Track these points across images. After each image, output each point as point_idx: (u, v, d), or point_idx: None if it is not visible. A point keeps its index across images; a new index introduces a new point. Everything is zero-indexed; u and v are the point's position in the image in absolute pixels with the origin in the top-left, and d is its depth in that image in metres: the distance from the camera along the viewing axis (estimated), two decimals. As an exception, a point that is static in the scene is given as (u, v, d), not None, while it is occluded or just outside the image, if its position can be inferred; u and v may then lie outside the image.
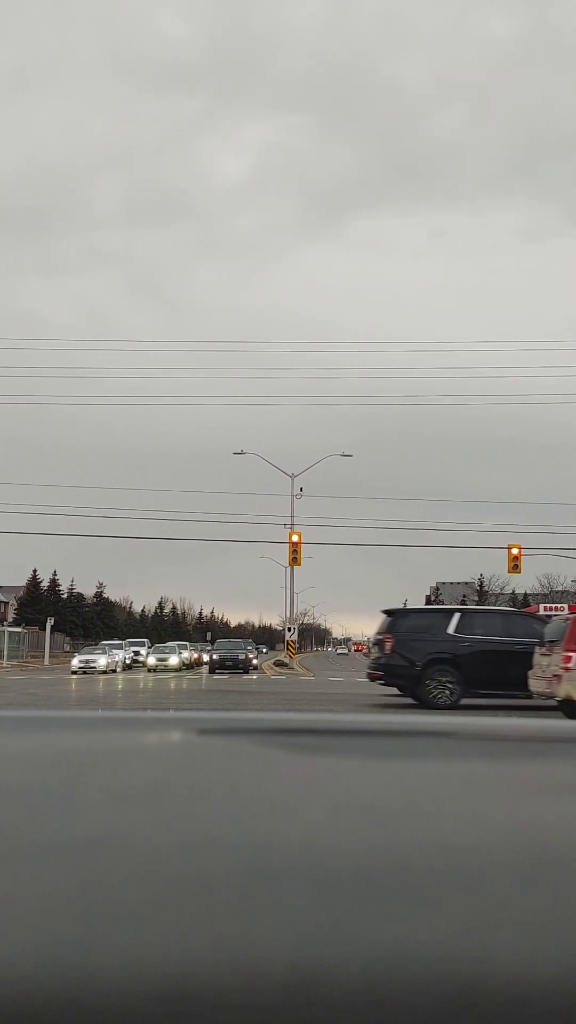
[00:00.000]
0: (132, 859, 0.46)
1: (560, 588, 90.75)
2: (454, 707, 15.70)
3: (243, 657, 39.36)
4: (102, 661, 40.52)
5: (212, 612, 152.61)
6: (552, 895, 0.42)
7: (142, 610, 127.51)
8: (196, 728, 0.99)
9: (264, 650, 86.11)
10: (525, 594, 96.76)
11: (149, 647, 51.62)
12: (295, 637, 47.37)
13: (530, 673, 14.13)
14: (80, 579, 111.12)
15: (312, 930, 0.37)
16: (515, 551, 36.27)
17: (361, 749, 0.87)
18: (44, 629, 57.70)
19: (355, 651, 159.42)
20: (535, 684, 14.00)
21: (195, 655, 50.58)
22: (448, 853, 0.48)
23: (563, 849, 0.50)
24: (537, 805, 0.63)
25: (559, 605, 67.03)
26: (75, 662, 41.09)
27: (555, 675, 12.86)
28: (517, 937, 0.37)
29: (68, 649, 76.50)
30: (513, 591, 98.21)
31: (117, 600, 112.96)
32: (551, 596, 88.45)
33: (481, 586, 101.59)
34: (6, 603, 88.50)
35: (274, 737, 0.94)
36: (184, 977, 0.33)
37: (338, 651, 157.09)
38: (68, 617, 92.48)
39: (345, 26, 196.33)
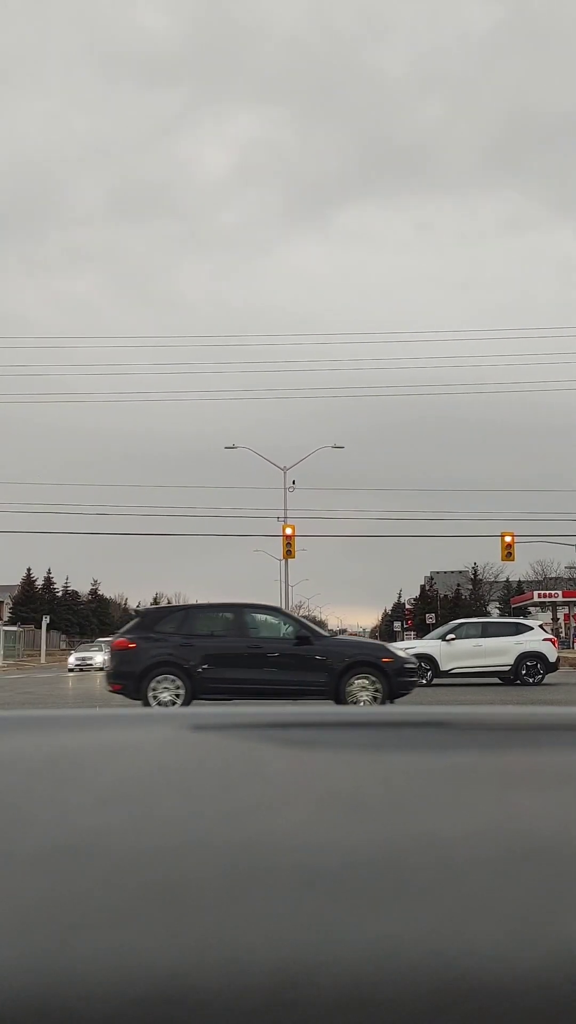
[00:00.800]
0: (116, 862, 0.45)
1: (554, 575, 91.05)
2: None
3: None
4: (98, 658, 40.42)
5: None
6: (545, 886, 0.41)
7: (137, 606, 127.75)
8: (186, 724, 0.96)
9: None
10: (519, 581, 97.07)
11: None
12: (291, 630, 47.33)
13: None
14: (74, 577, 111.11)
15: (298, 930, 0.36)
16: (508, 539, 36.37)
17: (354, 742, 0.86)
18: (40, 627, 57.75)
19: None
20: None
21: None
22: (440, 847, 0.48)
23: (557, 839, 0.50)
24: (529, 795, 0.62)
25: (553, 592, 67.49)
26: (72, 660, 41.22)
27: None
28: (509, 931, 0.36)
29: (64, 647, 76.58)
30: (507, 579, 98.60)
31: (112, 597, 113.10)
32: (544, 583, 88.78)
33: (475, 574, 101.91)
34: (1, 602, 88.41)
35: (266, 731, 0.92)
36: (169, 981, 0.33)
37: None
38: (63, 615, 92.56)
39: (326, 17, 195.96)
